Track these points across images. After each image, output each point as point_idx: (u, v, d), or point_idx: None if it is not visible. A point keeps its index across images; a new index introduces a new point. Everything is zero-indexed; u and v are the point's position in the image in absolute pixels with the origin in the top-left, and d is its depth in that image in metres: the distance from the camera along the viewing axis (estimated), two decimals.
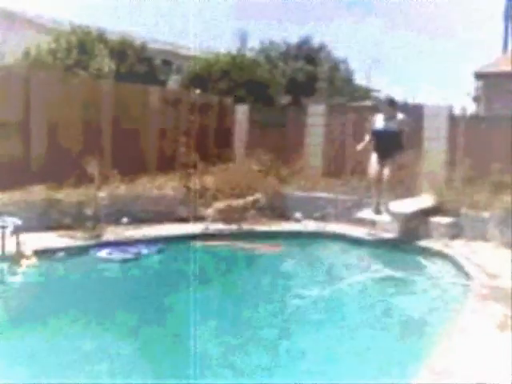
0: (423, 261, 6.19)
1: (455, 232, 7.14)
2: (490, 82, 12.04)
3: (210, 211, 7.59)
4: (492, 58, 14.28)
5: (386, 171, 7.12)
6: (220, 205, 7.73)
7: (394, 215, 7.14)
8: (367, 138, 7.46)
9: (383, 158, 7.17)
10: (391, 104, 7.46)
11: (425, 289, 5.25)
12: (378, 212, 7.27)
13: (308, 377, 3.38)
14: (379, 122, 7.32)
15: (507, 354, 3.47)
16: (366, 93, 18.97)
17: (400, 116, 7.26)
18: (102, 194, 7.34)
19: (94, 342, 3.78)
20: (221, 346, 3.81)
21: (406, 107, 9.78)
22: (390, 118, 7.23)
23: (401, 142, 7.14)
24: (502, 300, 4.54)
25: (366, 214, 7.44)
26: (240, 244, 6.88)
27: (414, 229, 7.20)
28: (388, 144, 7.12)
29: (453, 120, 8.74)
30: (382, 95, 18.58)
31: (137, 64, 12.55)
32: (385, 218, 7.21)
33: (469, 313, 4.35)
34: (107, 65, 11.13)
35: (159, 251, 6.40)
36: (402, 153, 7.17)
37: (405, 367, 3.41)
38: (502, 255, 6.36)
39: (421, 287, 5.32)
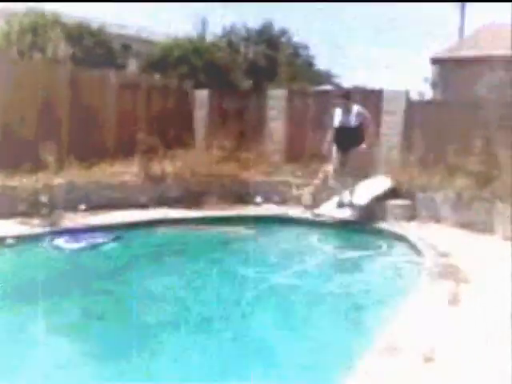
0: (379, 242, 6.36)
1: (410, 214, 7.35)
2: (445, 68, 12.32)
3: None
4: (448, 44, 14.62)
5: (348, 165, 7.30)
6: None
7: (351, 206, 7.31)
8: (329, 136, 7.56)
9: (344, 151, 7.34)
10: (346, 97, 7.56)
11: (380, 268, 5.41)
12: (340, 205, 7.44)
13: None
14: (338, 117, 7.44)
15: (456, 328, 3.63)
16: (327, 78, 19.12)
17: (355, 109, 7.37)
18: (58, 180, 7.21)
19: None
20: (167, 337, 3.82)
21: (366, 92, 9.97)
22: (347, 111, 7.34)
23: (360, 134, 7.27)
24: (452, 277, 4.73)
25: (327, 207, 7.60)
26: (202, 228, 6.88)
27: (371, 211, 7.36)
28: (348, 138, 7.27)
29: (410, 104, 8.93)
30: (343, 81, 18.84)
31: (94, 48, 12.30)
32: (344, 213, 7.33)
33: (421, 290, 4.51)
34: (63, 48, 10.86)
35: (117, 238, 6.31)
36: (362, 144, 7.29)
37: (357, 342, 3.52)
38: (454, 235, 6.61)
39: (376, 267, 5.46)
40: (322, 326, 4.00)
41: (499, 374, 2.96)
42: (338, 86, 14.28)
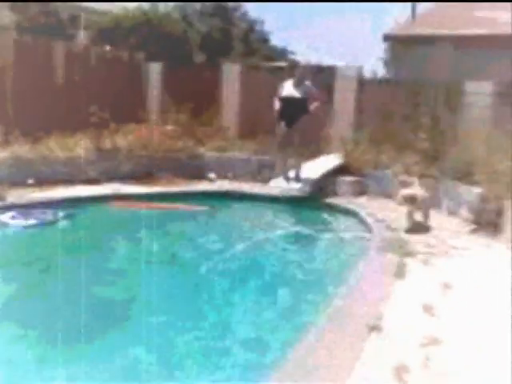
0: (329, 217, 6.49)
1: (360, 189, 7.53)
2: (397, 45, 12.50)
3: None
4: (401, 22, 14.79)
5: (295, 137, 7.35)
6: None
7: (302, 180, 7.40)
8: (277, 104, 7.59)
9: (290, 123, 7.39)
10: (298, 70, 7.64)
11: (329, 242, 5.53)
12: (287, 179, 7.52)
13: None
14: (288, 88, 7.49)
15: (401, 298, 3.79)
16: (281, 54, 19.06)
17: (307, 83, 7.46)
18: (2, 154, 6.96)
19: None
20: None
21: (319, 68, 10.03)
22: (298, 84, 7.42)
23: (306, 108, 7.37)
24: (398, 251, 4.90)
25: (277, 182, 7.67)
26: (156, 204, 6.82)
27: (322, 187, 7.48)
28: (295, 110, 7.33)
29: (362, 82, 9.06)
30: (298, 58, 18.84)
31: (41, 17, 11.81)
32: (294, 185, 7.43)
33: (368, 262, 4.66)
34: (7, 17, 10.39)
35: (67, 215, 6.15)
36: (307, 117, 7.38)
37: (304, 313, 3.62)
38: (401, 211, 6.80)
39: (326, 241, 5.58)
40: (271, 293, 4.12)
41: (430, 339, 3.12)
42: (292, 63, 14.25)
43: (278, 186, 7.57)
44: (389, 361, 2.83)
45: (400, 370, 2.73)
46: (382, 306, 3.61)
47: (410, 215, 5.81)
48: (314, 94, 7.48)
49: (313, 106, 7.42)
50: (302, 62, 8.37)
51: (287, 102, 7.44)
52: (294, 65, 8.15)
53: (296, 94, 7.42)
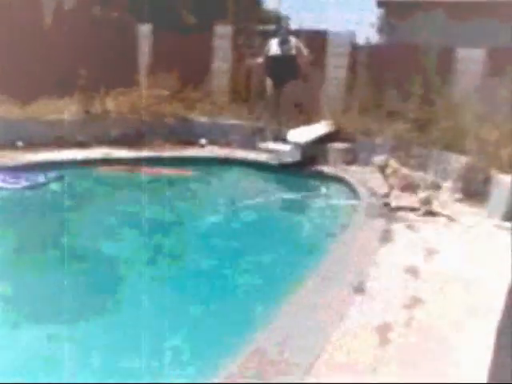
0: (319, 184, 6.55)
1: (351, 157, 7.56)
2: (390, 11, 12.37)
3: None
4: None
5: (283, 96, 7.32)
6: None
7: (291, 144, 7.40)
8: (260, 60, 7.56)
9: (279, 82, 7.35)
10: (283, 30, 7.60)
11: (319, 209, 5.61)
12: (275, 140, 7.52)
13: None
14: (274, 47, 7.43)
15: (384, 262, 3.89)
16: (274, 17, 18.72)
17: (293, 40, 7.40)
18: None
19: None
20: None
21: (311, 33, 9.90)
22: (283, 42, 7.36)
23: (295, 67, 7.31)
24: (386, 217, 5.00)
25: (267, 144, 7.67)
26: (145, 168, 6.82)
27: (312, 154, 7.50)
28: (283, 69, 7.28)
29: (354, 48, 8.97)
30: (290, 22, 18.51)
31: None
32: (284, 147, 7.43)
33: (356, 228, 4.76)
34: None
35: (58, 178, 6.17)
36: (297, 77, 7.34)
37: (295, 273, 3.73)
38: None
39: (315, 207, 5.67)
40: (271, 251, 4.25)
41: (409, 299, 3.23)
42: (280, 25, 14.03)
43: (266, 147, 7.58)
44: None
45: None
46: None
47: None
48: (301, 49, 7.42)
49: (302, 61, 7.36)
50: (290, 26, 8.27)
51: (274, 61, 7.38)
52: (281, 21, 8.10)
53: (282, 51, 7.36)
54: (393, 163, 6.13)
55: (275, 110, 7.52)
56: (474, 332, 2.92)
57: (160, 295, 3.44)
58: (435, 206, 5.27)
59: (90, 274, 3.78)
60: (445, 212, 5.16)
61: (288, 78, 7.28)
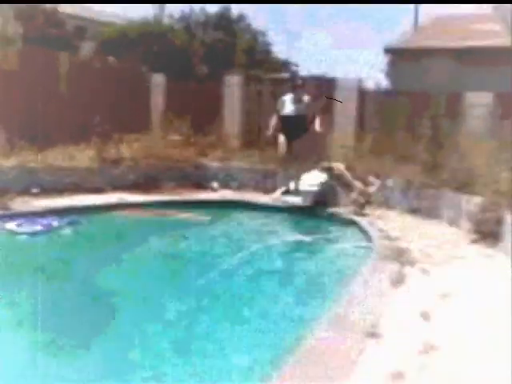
0: (331, 226, 6.56)
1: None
2: (397, 58, 12.64)
3: None
4: (402, 35, 14.95)
5: (296, 152, 7.48)
6: None
7: (301, 193, 7.47)
8: (274, 120, 7.72)
9: (290, 139, 7.51)
10: (299, 83, 7.77)
11: (330, 251, 5.59)
12: (287, 193, 7.63)
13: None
14: (288, 105, 7.60)
15: (398, 305, 3.85)
16: (284, 65, 19.23)
17: (306, 98, 7.57)
18: (9, 163, 7.05)
19: None
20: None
21: (320, 80, 10.15)
22: (297, 100, 7.52)
23: (306, 125, 7.49)
24: (398, 260, 4.96)
25: (279, 196, 7.79)
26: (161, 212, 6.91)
27: (323, 197, 7.53)
28: (296, 127, 7.45)
29: (362, 93, 9.17)
30: (300, 69, 19.00)
31: (47, 28, 11.98)
32: (295, 199, 7.50)
33: (369, 271, 4.71)
34: (13, 28, 10.53)
35: (72, 222, 6.25)
36: (308, 131, 7.53)
37: (308, 319, 3.69)
38: (402, 220, 6.88)
39: (327, 250, 5.65)
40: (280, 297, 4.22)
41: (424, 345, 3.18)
42: (294, 74, 14.41)
43: (278, 198, 7.66)
44: None
45: None
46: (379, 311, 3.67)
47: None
48: (313, 108, 7.58)
49: (317, 125, 7.52)
50: (302, 74, 8.52)
51: (287, 120, 7.56)
52: (294, 76, 8.31)
53: (295, 111, 7.53)
54: (338, 165, 7.36)
55: (288, 159, 7.68)
56: None
57: None
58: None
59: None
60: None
61: (300, 134, 7.46)
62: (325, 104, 8.34)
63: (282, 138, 7.69)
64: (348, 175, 7.37)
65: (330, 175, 7.27)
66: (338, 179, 7.48)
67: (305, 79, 8.56)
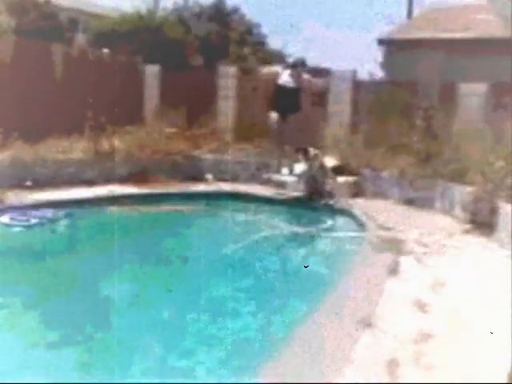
0: (326, 217, 6.55)
1: (356, 190, 7.58)
2: (391, 49, 12.61)
3: None
4: (396, 26, 14.91)
5: (287, 126, 7.48)
6: None
7: (297, 175, 7.50)
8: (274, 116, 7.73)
9: (282, 113, 7.50)
10: (299, 65, 7.79)
11: (326, 242, 5.60)
12: (280, 172, 7.64)
13: None
14: (285, 77, 7.62)
15: (392, 295, 3.85)
16: (279, 57, 19.12)
17: (306, 76, 7.59)
18: (1, 156, 7.00)
19: None
20: None
21: (314, 71, 10.11)
22: (296, 75, 7.55)
23: (299, 101, 7.48)
24: (393, 249, 4.97)
25: (274, 176, 7.77)
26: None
27: (317, 188, 7.53)
28: (289, 100, 7.43)
29: (357, 84, 9.14)
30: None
31: (40, 21, 11.88)
32: (289, 178, 7.53)
33: (364, 260, 4.73)
34: (5, 20, 10.45)
35: (67, 215, 6.22)
36: (299, 110, 7.52)
37: (301, 308, 3.69)
38: (397, 211, 6.88)
39: (322, 240, 5.66)
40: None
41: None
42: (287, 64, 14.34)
43: (274, 178, 7.78)
44: None
45: None
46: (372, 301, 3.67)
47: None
48: (312, 82, 7.61)
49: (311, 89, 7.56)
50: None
51: (281, 90, 7.54)
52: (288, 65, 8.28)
53: (292, 83, 7.53)
54: (312, 150, 7.54)
55: (280, 143, 7.67)
56: None
57: None
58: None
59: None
60: None
61: (292, 109, 7.44)
62: (321, 88, 8.34)
63: (273, 115, 7.66)
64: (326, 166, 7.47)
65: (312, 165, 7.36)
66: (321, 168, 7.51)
67: (304, 63, 8.50)
